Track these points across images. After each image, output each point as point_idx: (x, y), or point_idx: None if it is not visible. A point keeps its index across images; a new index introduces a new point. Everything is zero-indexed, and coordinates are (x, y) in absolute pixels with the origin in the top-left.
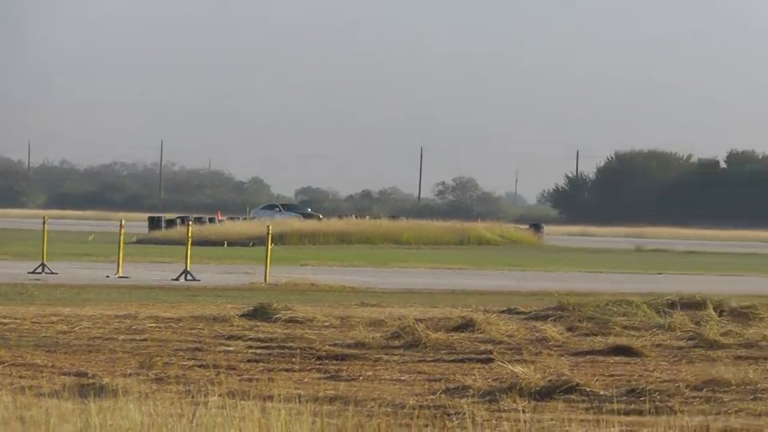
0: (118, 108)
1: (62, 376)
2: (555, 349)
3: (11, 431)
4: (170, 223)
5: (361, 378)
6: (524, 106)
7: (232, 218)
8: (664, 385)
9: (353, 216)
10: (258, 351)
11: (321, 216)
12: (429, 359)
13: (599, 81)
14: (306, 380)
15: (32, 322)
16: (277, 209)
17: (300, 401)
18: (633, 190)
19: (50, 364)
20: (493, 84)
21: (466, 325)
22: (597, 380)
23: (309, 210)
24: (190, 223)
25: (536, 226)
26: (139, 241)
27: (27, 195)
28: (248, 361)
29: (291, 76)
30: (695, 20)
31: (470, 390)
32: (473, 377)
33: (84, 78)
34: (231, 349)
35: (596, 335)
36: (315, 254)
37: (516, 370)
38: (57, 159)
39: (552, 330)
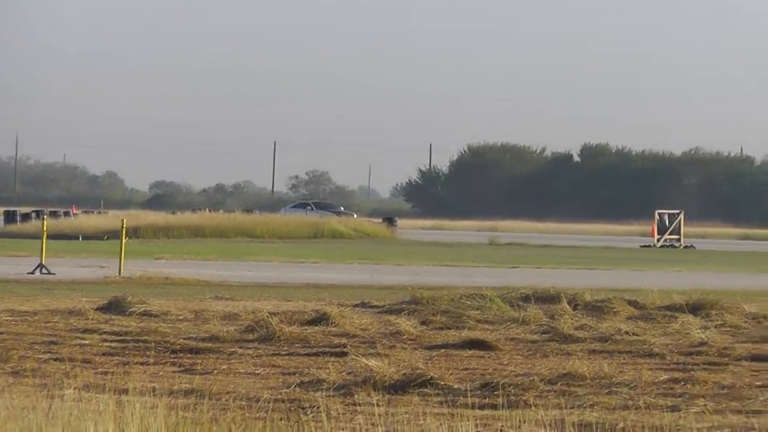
0: None
1: None
2: (409, 342)
3: None
4: (25, 216)
5: (215, 371)
6: (377, 100)
7: (86, 212)
8: (519, 379)
9: (207, 210)
10: (113, 344)
11: (355, 215)
12: (283, 353)
13: (451, 74)
14: (161, 374)
15: None
16: (309, 207)
17: (155, 395)
18: (486, 183)
19: None
20: (346, 79)
21: (320, 319)
22: (451, 374)
23: (342, 208)
24: (45, 216)
25: (390, 220)
26: None
27: None
28: (103, 354)
29: (142, 71)
30: (543, 16)
31: (325, 383)
32: (327, 371)
33: None
34: (86, 342)
35: (450, 329)
36: (169, 248)
37: (370, 364)
38: None
39: (406, 323)
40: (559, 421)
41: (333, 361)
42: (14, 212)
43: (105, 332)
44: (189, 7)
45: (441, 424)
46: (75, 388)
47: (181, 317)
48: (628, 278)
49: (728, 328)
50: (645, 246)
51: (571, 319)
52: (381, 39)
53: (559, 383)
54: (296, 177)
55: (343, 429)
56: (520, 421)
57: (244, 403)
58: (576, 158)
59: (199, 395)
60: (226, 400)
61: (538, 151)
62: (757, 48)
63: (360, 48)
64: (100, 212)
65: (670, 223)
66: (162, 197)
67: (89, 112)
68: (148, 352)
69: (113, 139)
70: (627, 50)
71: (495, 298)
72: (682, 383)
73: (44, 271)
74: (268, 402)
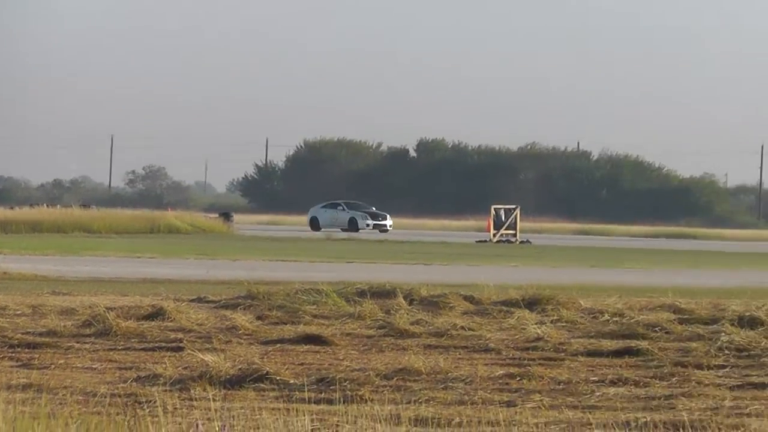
0: None
1: None
2: (245, 337)
3: None
4: None
5: (53, 366)
6: (214, 95)
7: None
8: (354, 374)
9: (45, 205)
10: None
11: (387, 215)
12: (120, 347)
13: (288, 69)
14: None
15: None
16: (341, 207)
17: None
18: (323, 179)
19: None
20: (182, 74)
21: (156, 314)
22: (287, 369)
23: (374, 208)
24: None
25: (226, 215)
26: None
27: None
28: None
29: None
30: (376, 12)
31: (161, 378)
32: (164, 366)
33: None
34: None
35: (286, 324)
36: (7, 243)
37: (206, 359)
38: None
39: (242, 318)
40: (395, 416)
41: (169, 356)
42: None
43: None
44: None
45: (277, 418)
46: None
47: (18, 312)
48: (464, 273)
49: (564, 324)
50: (481, 241)
51: (407, 314)
52: (218, 35)
53: (395, 378)
54: (133, 172)
55: (179, 424)
56: (355, 416)
57: (81, 397)
58: (412, 153)
59: (36, 390)
60: (63, 395)
61: (374, 147)
62: (592, 47)
63: (194, 44)
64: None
65: (506, 218)
66: (0, 192)
67: None
68: None
69: None
70: (456, 49)
71: (331, 293)
72: (518, 378)
73: None
74: (105, 396)
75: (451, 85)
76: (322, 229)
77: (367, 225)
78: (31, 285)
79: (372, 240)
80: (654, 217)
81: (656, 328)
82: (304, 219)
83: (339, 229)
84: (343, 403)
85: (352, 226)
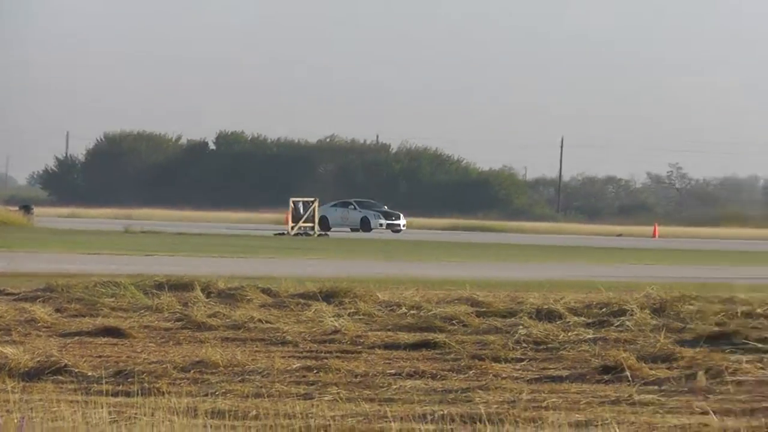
0: None
1: None
2: (44, 330)
3: None
4: None
5: None
6: (13, 86)
7: None
8: (152, 367)
9: None
10: None
11: (400, 214)
12: None
13: (88, 61)
14: None
15: None
16: (352, 207)
17: None
18: (123, 171)
19: None
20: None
21: None
22: (85, 361)
23: (386, 207)
24: None
25: (26, 208)
26: None
27: None
28: None
29: None
30: (177, 8)
31: None
32: None
33: None
34: None
35: (85, 316)
36: None
37: (5, 351)
38: None
39: (41, 311)
40: (192, 409)
41: None
42: None
43: None
44: None
45: (75, 411)
46: None
47: None
48: (262, 266)
49: (362, 316)
50: (279, 234)
51: (205, 306)
52: (18, 26)
53: (192, 371)
54: None
55: None
56: (153, 409)
57: None
58: (212, 146)
59: None
60: None
61: (174, 139)
62: (390, 40)
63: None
64: None
65: (305, 210)
66: None
67: None
68: None
69: None
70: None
71: (129, 286)
72: (315, 371)
73: None
74: None
75: (250, 78)
76: (332, 229)
77: (380, 225)
78: None
79: (170, 233)
80: (453, 209)
81: (453, 321)
82: (106, 212)
83: (349, 229)
84: (141, 395)
85: (365, 225)
